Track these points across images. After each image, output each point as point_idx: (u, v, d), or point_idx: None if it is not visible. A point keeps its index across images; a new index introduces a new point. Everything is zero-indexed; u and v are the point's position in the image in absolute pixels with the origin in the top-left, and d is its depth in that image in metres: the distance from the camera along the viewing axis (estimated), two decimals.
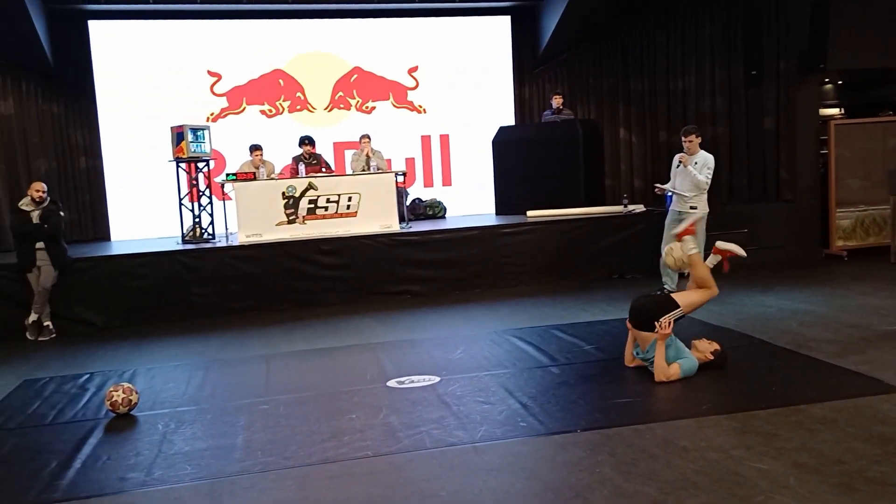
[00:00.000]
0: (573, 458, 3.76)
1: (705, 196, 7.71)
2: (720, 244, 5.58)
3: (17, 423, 4.92)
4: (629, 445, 3.87)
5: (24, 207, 7.66)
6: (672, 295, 5.23)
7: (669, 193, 8.03)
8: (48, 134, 10.78)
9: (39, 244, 7.57)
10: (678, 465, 3.58)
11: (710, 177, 7.61)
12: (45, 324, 7.73)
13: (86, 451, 4.26)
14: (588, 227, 9.34)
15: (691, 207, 7.65)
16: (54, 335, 7.73)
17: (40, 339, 7.65)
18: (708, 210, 7.74)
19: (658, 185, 8.12)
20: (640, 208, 9.82)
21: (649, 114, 11.78)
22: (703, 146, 7.77)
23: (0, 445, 4.47)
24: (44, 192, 7.70)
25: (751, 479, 3.40)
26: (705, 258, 5.58)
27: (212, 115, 11.31)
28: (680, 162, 7.71)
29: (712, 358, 5.09)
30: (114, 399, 4.83)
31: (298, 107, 11.68)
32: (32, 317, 7.64)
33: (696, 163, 7.60)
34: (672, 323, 4.94)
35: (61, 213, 7.85)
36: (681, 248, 5.35)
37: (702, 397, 4.61)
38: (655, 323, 4.94)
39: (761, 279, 8.61)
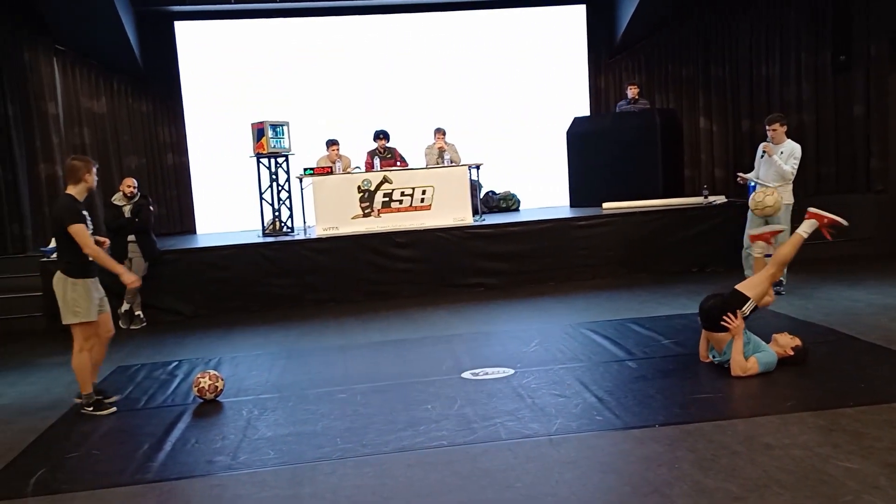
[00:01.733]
0: (651, 453, 3.71)
1: (790, 186, 7.44)
2: (814, 209, 5.31)
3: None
4: (710, 441, 3.79)
5: (116, 202, 8.04)
6: (738, 288, 5.06)
7: (752, 183, 7.79)
8: (138, 131, 11.27)
9: (131, 237, 7.94)
10: (761, 463, 3.49)
11: (797, 167, 7.33)
12: (137, 313, 8.10)
13: (175, 435, 4.46)
14: (666, 220, 9.15)
15: None
16: (145, 324, 8.10)
17: (132, 327, 8.03)
18: (793, 201, 7.47)
19: (740, 173, 7.89)
20: (721, 199, 9.55)
21: (731, 102, 11.44)
22: (788, 135, 7.50)
23: (96, 428, 4.72)
24: (134, 187, 8.07)
25: (838, 478, 3.29)
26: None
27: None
28: (764, 151, 7.47)
29: (792, 353, 4.92)
30: (201, 385, 5.03)
31: None
32: (125, 306, 8.02)
33: (781, 152, 7.35)
34: (741, 315, 4.80)
35: (151, 208, 8.22)
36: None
37: (786, 394, 4.47)
38: (725, 318, 4.80)
39: (850, 272, 8.26)
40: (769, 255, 5.36)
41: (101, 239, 5.19)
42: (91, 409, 4.97)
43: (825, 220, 5.24)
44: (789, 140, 7.43)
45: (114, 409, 5.02)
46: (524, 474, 3.55)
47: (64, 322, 4.99)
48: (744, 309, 4.87)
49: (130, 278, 5.10)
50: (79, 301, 4.88)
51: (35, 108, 9.63)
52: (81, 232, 4.80)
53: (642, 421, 4.16)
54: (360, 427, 4.36)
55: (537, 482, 3.46)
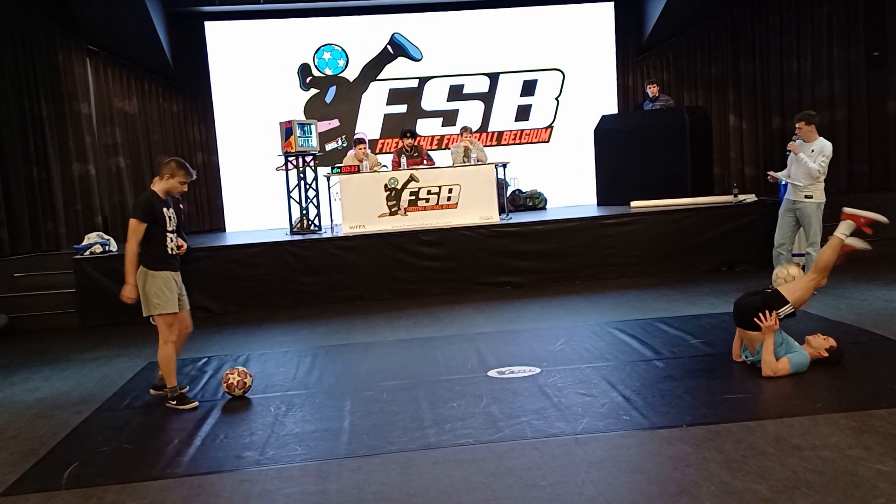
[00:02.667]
0: (679, 453, 3.69)
1: (822, 185, 7.33)
2: (848, 209, 5.20)
3: (143, 402, 5.28)
4: (738, 442, 3.75)
5: None
6: (780, 289, 5.01)
7: (783, 182, 7.69)
8: (168, 131, 11.42)
9: None
10: (790, 464, 3.45)
11: (825, 165, 7.21)
12: None
13: (205, 430, 4.52)
14: (695, 218, 9.06)
15: (806, 196, 7.30)
16: None
17: None
18: (825, 199, 7.36)
19: (771, 172, 7.79)
20: (751, 198, 9.44)
21: (761, 99, 11.29)
22: (819, 132, 7.38)
23: (128, 423, 4.80)
24: None
25: (869, 480, 3.24)
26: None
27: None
28: (789, 150, 7.38)
29: (827, 355, 4.85)
30: (230, 381, 5.10)
31: None
32: None
33: (812, 150, 7.24)
34: (776, 316, 4.75)
35: (181, 206, 8.32)
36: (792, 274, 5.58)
37: (816, 394, 4.41)
38: (759, 314, 4.75)
39: (884, 273, 8.11)
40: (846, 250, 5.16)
41: (181, 242, 5.28)
42: (175, 402, 5.02)
43: (862, 220, 5.13)
44: (821, 138, 7.32)
45: (196, 403, 5.04)
46: (550, 473, 3.55)
47: (144, 314, 5.06)
48: (780, 311, 4.81)
49: (127, 294, 4.90)
50: (157, 293, 4.95)
51: (68, 108, 9.80)
52: (133, 227, 4.87)
53: (670, 421, 4.13)
54: (386, 424, 4.38)
55: (563, 481, 3.45)
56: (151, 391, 5.34)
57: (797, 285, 5.06)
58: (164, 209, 5.01)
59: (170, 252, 5.04)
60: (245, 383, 5.12)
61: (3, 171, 8.85)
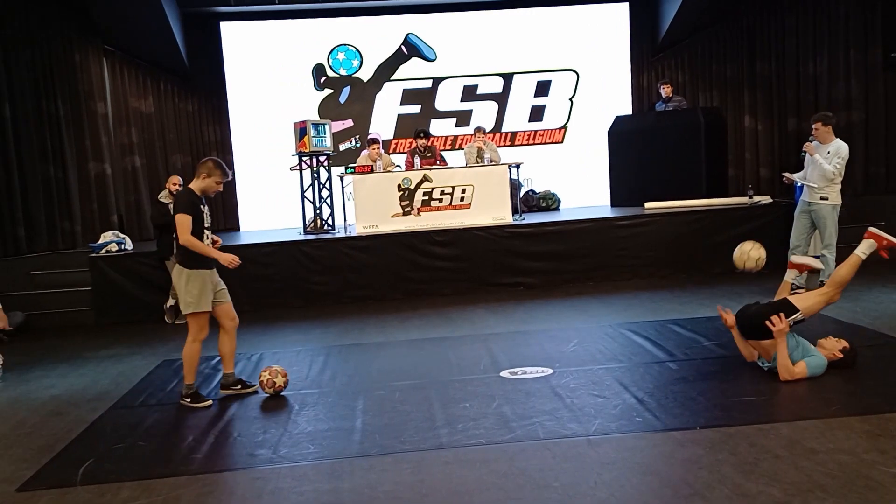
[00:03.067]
0: (692, 455, 3.67)
1: (838, 187, 7.28)
2: (874, 229, 5.10)
3: (157, 399, 5.32)
4: (752, 445, 3.73)
5: (162, 200, 8.21)
6: (790, 299, 4.96)
7: (799, 184, 7.64)
8: (184, 131, 11.48)
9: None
10: (805, 467, 3.43)
11: (841, 167, 7.16)
12: None
13: (218, 428, 4.55)
14: (709, 220, 9.02)
15: (821, 198, 7.25)
16: None
17: (177, 322, 8.19)
18: (840, 202, 7.31)
19: (786, 174, 7.74)
20: (766, 200, 9.38)
21: (777, 100, 11.21)
22: (836, 133, 7.33)
23: (143, 420, 4.84)
24: (180, 184, 8.22)
25: (884, 484, 3.21)
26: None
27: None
28: (804, 151, 7.33)
29: (841, 356, 4.82)
30: (262, 379, 5.13)
31: None
32: (170, 301, 8.19)
33: (828, 152, 7.19)
34: (787, 321, 4.71)
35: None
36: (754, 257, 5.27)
37: (831, 398, 4.38)
38: (771, 318, 4.71)
39: None
40: (798, 288, 5.22)
41: (216, 238, 5.38)
42: (189, 400, 5.08)
43: (884, 243, 5.06)
44: (837, 139, 7.28)
45: (210, 402, 5.09)
46: (562, 474, 3.55)
47: (183, 312, 5.13)
48: (791, 318, 4.77)
49: (227, 258, 5.04)
50: (192, 291, 5.00)
51: (85, 107, 9.89)
52: (182, 222, 4.93)
53: (683, 423, 4.12)
54: (398, 424, 4.39)
55: (575, 482, 3.45)
56: (221, 391, 5.30)
57: (809, 297, 4.98)
58: (201, 206, 5.09)
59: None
60: (275, 382, 5.11)
61: (21, 170, 8.93)
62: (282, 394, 5.15)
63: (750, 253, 5.34)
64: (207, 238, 5.13)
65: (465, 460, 3.79)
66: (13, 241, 8.83)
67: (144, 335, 7.63)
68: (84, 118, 9.86)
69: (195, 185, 5.10)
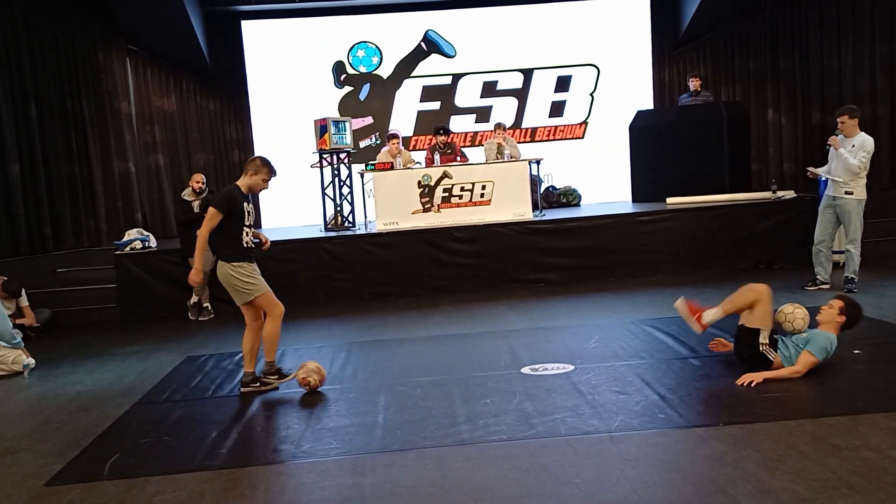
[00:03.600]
0: (715, 452, 3.65)
1: (863, 181, 7.18)
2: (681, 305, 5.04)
3: (181, 395, 5.37)
4: (776, 441, 3.70)
5: (186, 198, 8.30)
6: (743, 325, 4.84)
7: (823, 178, 7.55)
8: (206, 129, 11.59)
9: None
10: (830, 464, 3.40)
11: (867, 161, 7.07)
12: (205, 305, 8.35)
13: (242, 423, 4.59)
14: (732, 215, 8.94)
15: (846, 193, 7.16)
16: (213, 315, 8.34)
17: (200, 318, 8.28)
18: (866, 196, 7.21)
19: (810, 168, 7.66)
20: (790, 194, 9.28)
21: (801, 94, 11.09)
22: (861, 127, 7.24)
23: (168, 415, 4.89)
24: (202, 182, 8.31)
25: None
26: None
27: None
28: (829, 145, 7.24)
29: (844, 318, 4.71)
30: (298, 376, 5.14)
31: None
32: (194, 298, 8.28)
33: (853, 146, 7.10)
34: (767, 348, 4.69)
35: None
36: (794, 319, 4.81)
37: (856, 394, 4.33)
38: (762, 350, 4.69)
39: None
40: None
41: (263, 238, 5.51)
42: (275, 377, 5.19)
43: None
44: (862, 133, 7.18)
45: (293, 374, 5.16)
46: (584, 470, 3.54)
47: (239, 304, 5.21)
48: (762, 342, 4.71)
49: (192, 277, 5.16)
50: (245, 280, 5.08)
51: (109, 106, 10.01)
52: (210, 215, 5.00)
53: (706, 419, 4.09)
54: (419, 420, 4.40)
55: (597, 479, 3.44)
56: (268, 379, 5.30)
57: (755, 313, 4.77)
58: (245, 204, 5.15)
59: (245, 245, 5.15)
60: (308, 382, 5.11)
61: (47, 169, 9.06)
62: (304, 389, 5.17)
63: (796, 313, 4.88)
64: (248, 235, 5.18)
65: (486, 456, 3.79)
66: (40, 238, 8.97)
67: (168, 332, 7.71)
68: (108, 117, 9.98)
69: (242, 182, 5.16)
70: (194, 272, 5.14)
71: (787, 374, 4.63)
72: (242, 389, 5.25)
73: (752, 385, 4.54)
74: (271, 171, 5.18)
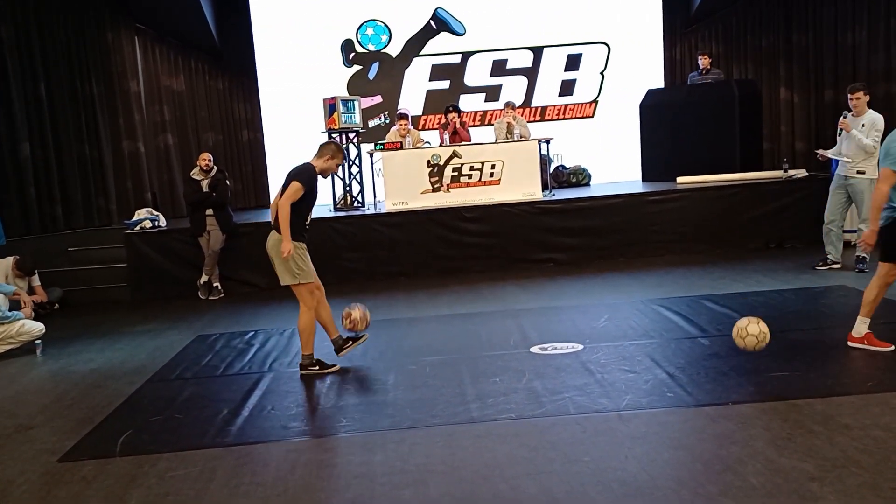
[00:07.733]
0: (724, 430, 3.65)
1: (875, 160, 7.10)
2: None
3: (192, 373, 5.41)
4: (785, 420, 3.70)
5: (194, 177, 8.30)
6: None
7: (835, 159, 7.47)
8: (215, 108, 11.58)
9: (209, 211, 8.19)
10: (839, 443, 3.40)
11: (879, 139, 6.99)
12: (215, 284, 8.39)
13: (252, 401, 4.63)
14: (743, 194, 8.88)
15: (858, 172, 7.10)
16: (222, 295, 8.38)
17: (210, 298, 8.32)
18: (878, 175, 7.12)
19: (819, 151, 7.59)
20: (801, 173, 9.20)
21: (814, 72, 10.96)
22: (874, 106, 7.16)
23: (179, 393, 4.93)
24: (209, 160, 8.30)
25: None
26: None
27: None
28: (841, 128, 7.16)
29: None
30: (353, 316, 5.23)
31: None
32: (203, 278, 8.31)
33: (863, 125, 7.02)
34: None
35: (228, 182, 8.45)
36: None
37: (867, 373, 4.32)
38: None
39: None
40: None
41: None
42: (317, 368, 5.13)
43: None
44: (871, 111, 7.10)
45: (337, 366, 5.16)
46: (593, 448, 3.55)
47: (282, 283, 5.19)
48: None
49: (287, 246, 4.96)
50: (299, 262, 5.08)
51: (118, 86, 10.01)
52: (295, 190, 4.96)
53: (715, 398, 4.09)
54: (429, 398, 4.42)
55: (606, 456, 3.45)
56: (301, 373, 5.20)
57: None
58: (316, 189, 5.14)
59: (306, 226, 5.18)
60: (353, 318, 5.21)
61: (57, 150, 9.08)
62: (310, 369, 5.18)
63: (748, 328, 4.58)
64: (310, 217, 5.17)
65: (495, 434, 3.81)
66: (51, 218, 9.01)
67: (179, 311, 7.75)
68: (117, 97, 9.98)
69: (317, 164, 5.15)
70: (285, 241, 4.94)
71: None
72: (308, 370, 5.16)
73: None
74: (345, 158, 5.17)
